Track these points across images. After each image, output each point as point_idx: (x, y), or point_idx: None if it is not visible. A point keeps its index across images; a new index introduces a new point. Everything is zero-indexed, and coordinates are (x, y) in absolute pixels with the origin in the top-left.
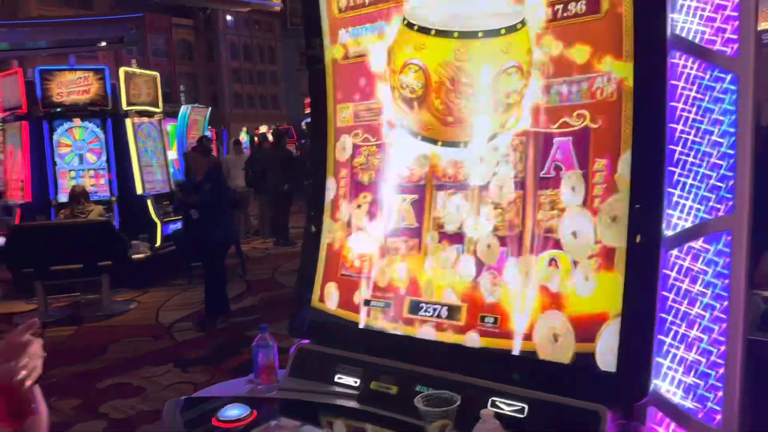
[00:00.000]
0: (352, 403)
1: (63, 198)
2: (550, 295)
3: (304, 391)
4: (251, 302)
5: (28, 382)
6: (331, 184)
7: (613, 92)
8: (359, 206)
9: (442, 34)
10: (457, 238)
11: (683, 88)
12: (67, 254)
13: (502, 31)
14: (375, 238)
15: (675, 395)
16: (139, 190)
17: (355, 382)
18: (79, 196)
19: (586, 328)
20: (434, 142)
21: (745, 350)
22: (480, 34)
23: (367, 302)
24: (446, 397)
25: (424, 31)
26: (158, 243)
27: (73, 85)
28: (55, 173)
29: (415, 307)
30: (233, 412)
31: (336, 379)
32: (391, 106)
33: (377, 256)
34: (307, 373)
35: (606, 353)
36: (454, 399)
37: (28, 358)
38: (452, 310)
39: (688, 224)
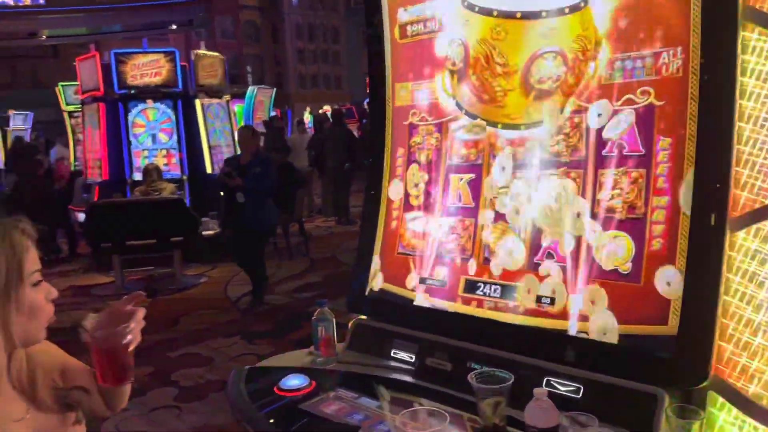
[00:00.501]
0: (407, 378)
1: (138, 176)
2: (608, 276)
3: (361, 364)
4: (313, 279)
5: (131, 347)
6: (388, 163)
7: (679, 68)
8: (416, 185)
9: (504, 15)
10: (513, 217)
11: (756, 63)
12: (141, 230)
13: (566, 10)
14: (431, 217)
15: (738, 380)
16: (208, 169)
17: (411, 358)
18: (152, 173)
19: (645, 310)
20: (494, 124)
21: None
22: (543, 14)
23: (422, 280)
24: (500, 375)
25: (485, 12)
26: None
27: (146, 67)
28: (130, 152)
29: (470, 286)
30: (293, 382)
31: (392, 354)
32: (449, 85)
33: (433, 234)
34: (365, 348)
35: (666, 335)
36: (508, 377)
37: (133, 324)
38: (507, 290)
39: (757, 205)
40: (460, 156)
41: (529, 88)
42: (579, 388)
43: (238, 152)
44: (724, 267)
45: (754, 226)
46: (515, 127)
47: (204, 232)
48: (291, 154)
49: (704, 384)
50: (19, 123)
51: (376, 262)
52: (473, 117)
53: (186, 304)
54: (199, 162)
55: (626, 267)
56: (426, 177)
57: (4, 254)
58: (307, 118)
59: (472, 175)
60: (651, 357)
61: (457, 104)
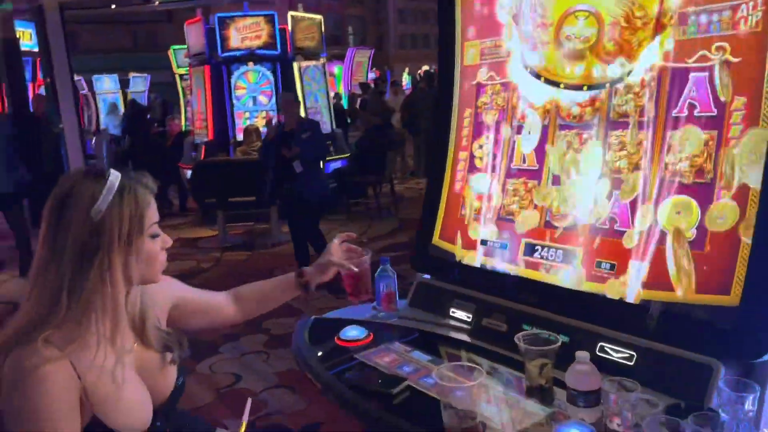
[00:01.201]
0: (463, 336)
1: (240, 137)
2: (671, 242)
3: (420, 321)
4: (401, 239)
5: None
6: (455, 124)
7: (758, 22)
8: (481, 146)
9: None
10: (577, 180)
11: None
12: (242, 188)
13: None
14: (495, 178)
15: None
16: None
17: (468, 317)
18: (252, 135)
19: (707, 279)
20: (557, 84)
21: None
22: None
23: (483, 242)
24: (548, 337)
25: None
26: None
27: (247, 30)
28: (232, 114)
29: (530, 249)
30: (352, 333)
31: (450, 313)
32: (517, 44)
33: (496, 196)
34: (425, 306)
35: (727, 306)
36: (555, 339)
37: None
38: (568, 254)
39: None
40: (527, 117)
41: (600, 49)
42: (632, 355)
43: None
44: None
45: None
46: (579, 87)
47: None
48: (392, 116)
49: (765, 359)
50: (138, 85)
51: (439, 222)
52: (537, 77)
53: (280, 259)
54: None
55: (690, 233)
56: (491, 138)
57: (128, 207)
58: (405, 79)
59: (537, 136)
60: (710, 327)
61: (523, 64)
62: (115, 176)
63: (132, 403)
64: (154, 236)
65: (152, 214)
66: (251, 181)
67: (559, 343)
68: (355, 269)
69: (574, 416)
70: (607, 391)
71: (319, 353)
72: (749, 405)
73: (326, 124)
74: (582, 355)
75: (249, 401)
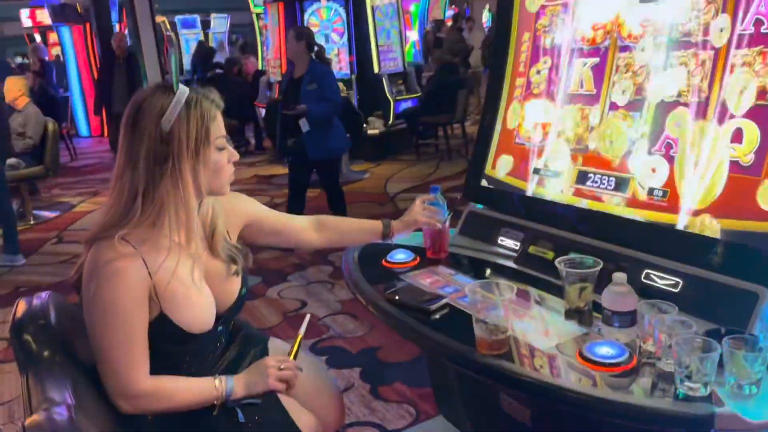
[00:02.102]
0: (509, 263)
1: None
2: (726, 170)
3: (467, 247)
4: None
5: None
6: (512, 49)
7: None
8: (539, 72)
9: None
10: (635, 105)
11: None
12: None
13: None
14: (551, 105)
15: None
16: (375, 69)
17: (516, 245)
18: None
19: (761, 206)
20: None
21: None
22: None
23: (536, 171)
24: (589, 262)
25: None
26: (391, 120)
27: None
28: None
29: (582, 177)
30: (400, 256)
31: (498, 241)
32: None
33: (551, 124)
34: (474, 234)
35: None
36: (596, 264)
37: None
38: (620, 182)
39: None
40: (587, 39)
41: None
42: (677, 282)
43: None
44: None
45: None
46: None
47: (369, 131)
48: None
49: None
50: (220, 25)
51: (493, 151)
52: None
53: (350, 196)
54: (368, 62)
55: (748, 159)
56: (549, 62)
57: (195, 118)
58: (486, 16)
59: (596, 60)
60: (759, 255)
61: None
62: (183, 90)
63: (198, 305)
64: (220, 149)
65: (218, 126)
66: None
67: (599, 267)
68: (440, 226)
69: (609, 336)
70: (642, 312)
71: (367, 274)
72: None
73: (398, 62)
74: (619, 276)
75: (308, 317)
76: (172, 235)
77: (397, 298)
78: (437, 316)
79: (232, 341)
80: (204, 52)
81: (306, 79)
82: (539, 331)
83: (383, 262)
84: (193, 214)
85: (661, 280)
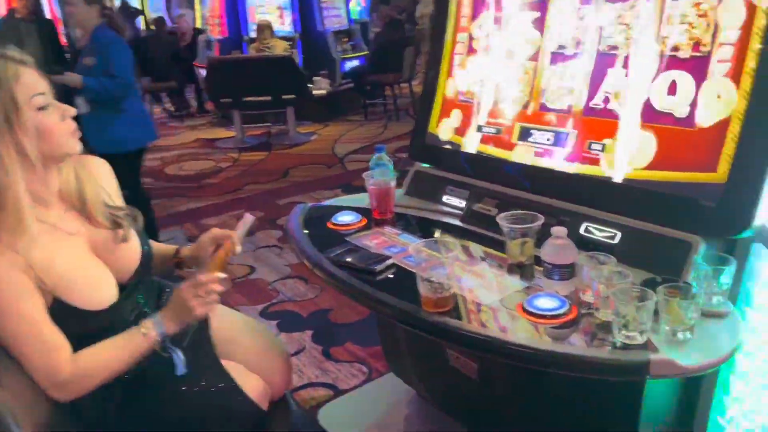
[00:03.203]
0: (455, 221)
1: (254, 34)
2: (662, 120)
3: (414, 207)
4: None
5: None
6: (455, 4)
7: None
8: (480, 26)
9: None
10: (575, 59)
11: None
12: (256, 86)
13: None
14: (492, 60)
15: None
16: (319, 27)
17: (461, 203)
18: (264, 31)
19: (695, 157)
20: None
21: None
22: None
23: (479, 128)
24: (530, 216)
25: None
26: (337, 80)
27: None
28: (245, 9)
29: (524, 133)
30: (345, 218)
31: (444, 200)
32: None
33: (493, 80)
34: (420, 194)
35: (713, 183)
36: (536, 218)
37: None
38: (561, 137)
39: None
40: None
41: None
42: (615, 234)
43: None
44: None
45: None
46: None
47: (315, 92)
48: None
49: (748, 235)
50: None
51: (437, 109)
52: None
53: (296, 159)
54: (312, 20)
55: (682, 111)
56: (490, 17)
57: None
58: None
59: (537, 14)
60: (695, 205)
61: None
62: None
63: (88, 282)
64: (41, 108)
65: (27, 85)
66: (266, 80)
67: (540, 222)
68: (239, 250)
69: (549, 289)
70: (581, 264)
71: (313, 237)
72: (725, 279)
73: (343, 18)
74: (558, 230)
75: (248, 216)
76: (30, 216)
77: (342, 260)
78: (383, 277)
79: (156, 302)
80: (127, 14)
81: (86, 50)
82: (484, 287)
83: (329, 224)
84: (39, 190)
85: (600, 233)
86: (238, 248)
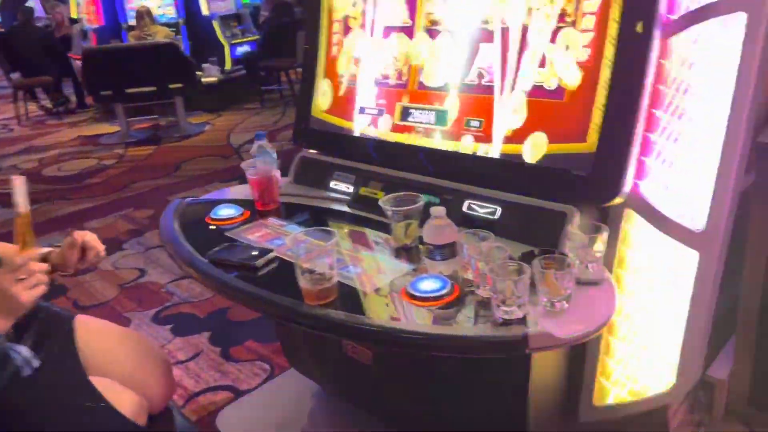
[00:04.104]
0: (343, 207)
1: (133, 21)
2: (533, 93)
3: (300, 195)
4: None
5: None
6: None
7: None
8: (354, 4)
9: None
10: (447, 35)
11: None
12: (139, 76)
13: None
14: (368, 39)
15: (656, 197)
16: (204, 11)
17: (348, 188)
18: (144, 17)
19: (566, 127)
20: None
21: (745, 158)
22: None
23: (361, 110)
24: (412, 198)
25: None
26: (228, 66)
27: None
28: None
29: (405, 113)
30: (225, 212)
31: (332, 186)
32: None
33: (371, 59)
34: (307, 180)
35: (585, 152)
36: (418, 199)
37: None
38: (441, 115)
39: (693, 6)
40: None
41: None
42: (496, 210)
43: None
44: (651, 80)
45: (686, 33)
46: None
47: (204, 79)
48: None
49: (620, 201)
50: None
51: (318, 92)
52: None
53: (188, 151)
54: (196, 4)
55: (551, 83)
56: None
57: None
58: None
59: None
60: (568, 176)
61: None
62: None
63: None
64: None
65: None
66: (149, 69)
67: (421, 203)
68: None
69: (432, 270)
70: (461, 243)
71: (189, 234)
72: (598, 246)
73: (231, 2)
74: (436, 210)
75: (13, 179)
76: None
77: (219, 258)
78: (265, 272)
79: (23, 335)
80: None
81: None
82: (370, 273)
83: (207, 219)
84: None
85: (481, 209)
86: (21, 209)
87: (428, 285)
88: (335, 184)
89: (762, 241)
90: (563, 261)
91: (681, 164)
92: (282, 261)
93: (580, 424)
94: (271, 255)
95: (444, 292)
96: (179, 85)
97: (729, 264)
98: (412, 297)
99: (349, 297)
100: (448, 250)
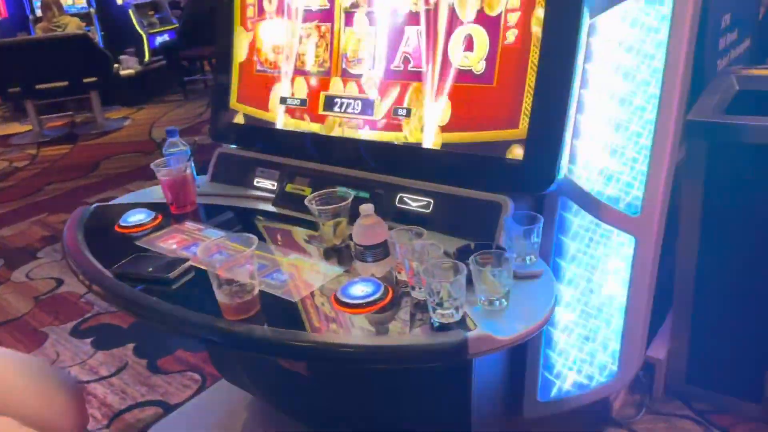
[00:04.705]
0: (268, 206)
1: (39, 12)
2: (462, 79)
3: (221, 194)
4: None
5: None
6: None
7: None
8: None
9: None
10: (369, 20)
11: None
12: (50, 71)
13: None
14: (287, 24)
15: (590, 182)
16: (118, 0)
17: (273, 185)
18: (51, 7)
19: (497, 114)
20: None
21: (678, 137)
22: None
23: (283, 100)
24: (340, 194)
25: None
26: (147, 57)
27: None
28: None
29: (329, 103)
30: (136, 217)
31: (255, 183)
32: None
33: (290, 46)
34: (228, 178)
35: (517, 140)
36: (346, 196)
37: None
38: (366, 104)
39: None
40: None
41: None
42: (429, 203)
43: None
44: (581, 57)
45: (616, 8)
46: None
47: (122, 72)
48: None
49: (553, 189)
50: None
51: (235, 83)
52: None
53: (108, 149)
54: None
55: (480, 67)
56: None
57: None
58: None
59: None
60: (501, 164)
61: None
62: None
63: None
64: None
65: None
66: (60, 63)
67: (350, 199)
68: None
69: (364, 273)
70: (393, 241)
71: (95, 245)
72: (535, 237)
73: None
74: (365, 208)
75: None
76: None
77: (127, 271)
78: (179, 285)
79: None
80: None
81: None
82: (298, 279)
83: (116, 227)
84: None
85: (414, 203)
86: None
87: (359, 289)
88: (258, 182)
89: (694, 218)
90: (500, 256)
91: (613, 147)
92: (199, 271)
93: (525, 421)
94: (187, 265)
95: (376, 296)
96: (94, 78)
97: (664, 241)
98: (343, 304)
99: (275, 308)
100: (380, 250)
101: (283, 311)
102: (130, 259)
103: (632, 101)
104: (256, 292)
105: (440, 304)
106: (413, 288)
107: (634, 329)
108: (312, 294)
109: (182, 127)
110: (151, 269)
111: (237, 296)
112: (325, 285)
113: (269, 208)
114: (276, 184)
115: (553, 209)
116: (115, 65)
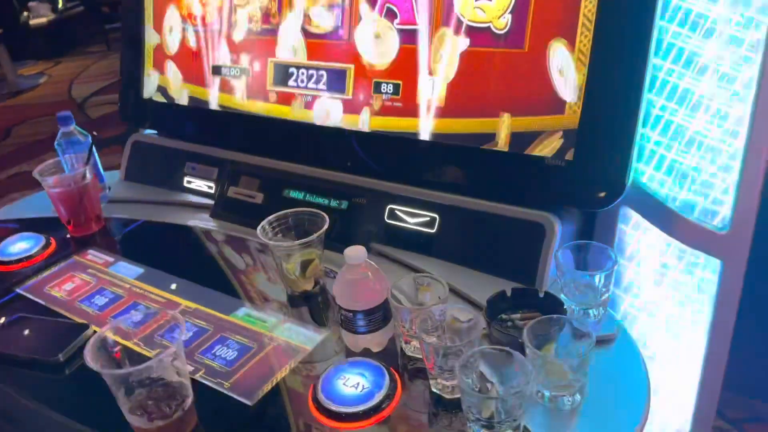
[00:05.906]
0: (202, 217)
1: None
2: (477, 41)
3: (138, 202)
4: None
5: None
6: None
7: None
8: None
9: None
10: None
11: None
12: None
13: None
14: None
15: (664, 190)
16: None
17: (209, 187)
18: None
19: (529, 91)
20: None
21: None
22: None
23: (216, 70)
24: (306, 215)
25: None
26: (61, 3)
27: None
28: None
29: (282, 74)
30: (18, 246)
31: (186, 183)
32: None
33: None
34: (145, 176)
35: (562, 129)
36: (320, 220)
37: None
38: (334, 76)
39: None
40: None
41: None
42: (434, 219)
43: None
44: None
45: None
46: None
47: (33, 21)
48: None
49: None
50: None
51: (150, 49)
52: None
53: (21, 112)
54: None
55: (501, 23)
56: None
57: None
58: None
59: None
60: (540, 168)
61: None
62: None
63: None
64: None
65: None
66: None
67: (325, 227)
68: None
69: (354, 347)
70: (395, 305)
71: None
72: (601, 280)
73: None
74: (352, 253)
75: None
76: None
77: None
78: (75, 369)
79: None
80: None
81: None
82: (255, 357)
83: None
84: None
85: (412, 218)
86: None
87: (352, 383)
88: (190, 181)
89: None
90: (565, 325)
91: (697, 145)
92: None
93: None
94: (88, 333)
95: (379, 396)
96: None
97: None
98: (328, 414)
99: (220, 418)
100: (378, 316)
101: (234, 424)
102: (5, 324)
103: (724, 85)
104: (188, 403)
105: (490, 426)
106: (433, 377)
107: (712, 376)
108: (277, 389)
109: (107, 83)
110: (31, 346)
111: (155, 418)
112: (298, 367)
113: (205, 220)
114: (214, 186)
115: (610, 225)
116: (24, 13)
